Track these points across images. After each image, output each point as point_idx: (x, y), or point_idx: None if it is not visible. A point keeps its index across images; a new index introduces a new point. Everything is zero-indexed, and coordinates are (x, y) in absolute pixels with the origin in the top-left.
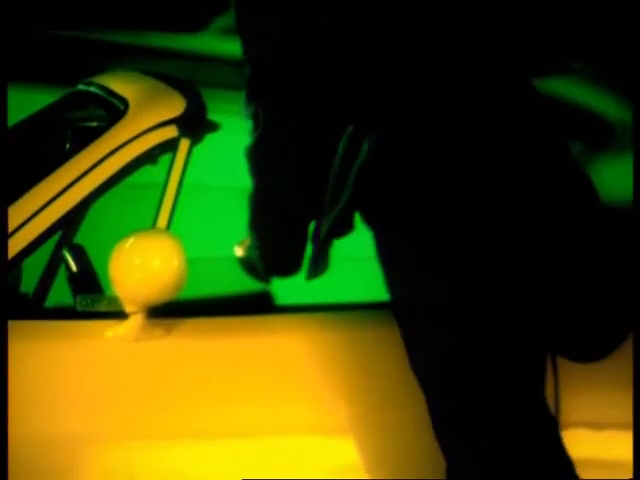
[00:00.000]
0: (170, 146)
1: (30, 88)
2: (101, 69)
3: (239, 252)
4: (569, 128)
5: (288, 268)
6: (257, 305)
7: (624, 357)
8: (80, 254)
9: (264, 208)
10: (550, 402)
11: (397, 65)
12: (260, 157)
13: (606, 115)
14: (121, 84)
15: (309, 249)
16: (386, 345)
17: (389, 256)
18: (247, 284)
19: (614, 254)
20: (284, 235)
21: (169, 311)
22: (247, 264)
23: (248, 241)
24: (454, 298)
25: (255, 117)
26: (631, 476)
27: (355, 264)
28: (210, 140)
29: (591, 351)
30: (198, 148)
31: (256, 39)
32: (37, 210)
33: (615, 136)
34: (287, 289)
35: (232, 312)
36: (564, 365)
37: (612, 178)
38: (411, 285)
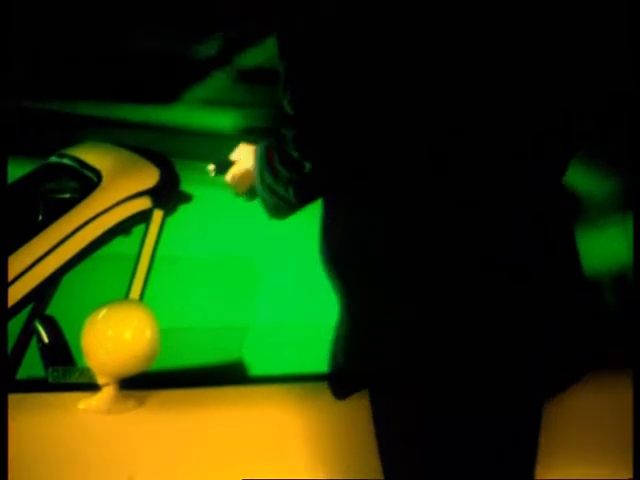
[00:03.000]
0: (143, 217)
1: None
2: (74, 141)
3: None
4: None
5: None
6: (230, 376)
7: (597, 418)
8: (52, 326)
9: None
10: None
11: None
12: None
13: (576, 188)
14: (94, 156)
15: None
16: (360, 416)
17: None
18: (220, 355)
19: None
20: None
21: (142, 382)
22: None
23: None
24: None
25: (298, 164)
26: None
27: (329, 334)
28: (182, 211)
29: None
30: (170, 218)
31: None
32: (9, 282)
33: (585, 209)
34: (260, 359)
35: (205, 383)
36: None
37: (583, 250)
38: None
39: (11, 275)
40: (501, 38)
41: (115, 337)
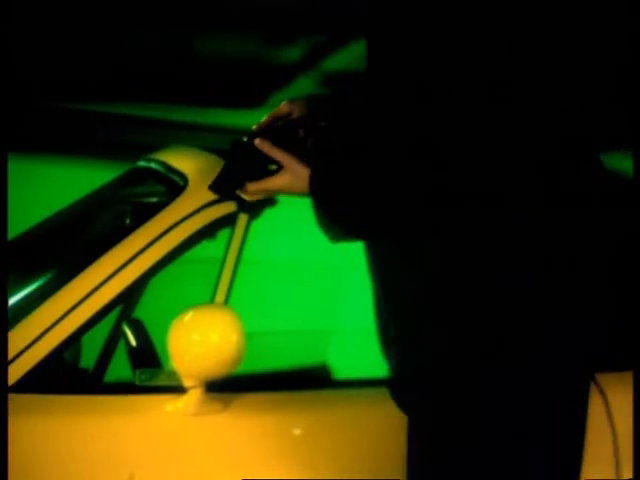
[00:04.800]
0: (228, 221)
1: (92, 164)
2: (161, 145)
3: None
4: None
5: None
6: (315, 380)
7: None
8: (139, 329)
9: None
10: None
11: None
12: None
13: None
14: (180, 160)
15: None
16: None
17: None
18: (305, 358)
19: None
20: None
21: (228, 385)
22: None
23: None
24: None
25: None
26: None
27: None
28: (267, 215)
29: None
30: (255, 223)
31: None
32: (97, 285)
33: None
34: (345, 363)
35: (290, 387)
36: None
37: None
38: None
39: (100, 278)
40: (501, 38)
41: (201, 341)
